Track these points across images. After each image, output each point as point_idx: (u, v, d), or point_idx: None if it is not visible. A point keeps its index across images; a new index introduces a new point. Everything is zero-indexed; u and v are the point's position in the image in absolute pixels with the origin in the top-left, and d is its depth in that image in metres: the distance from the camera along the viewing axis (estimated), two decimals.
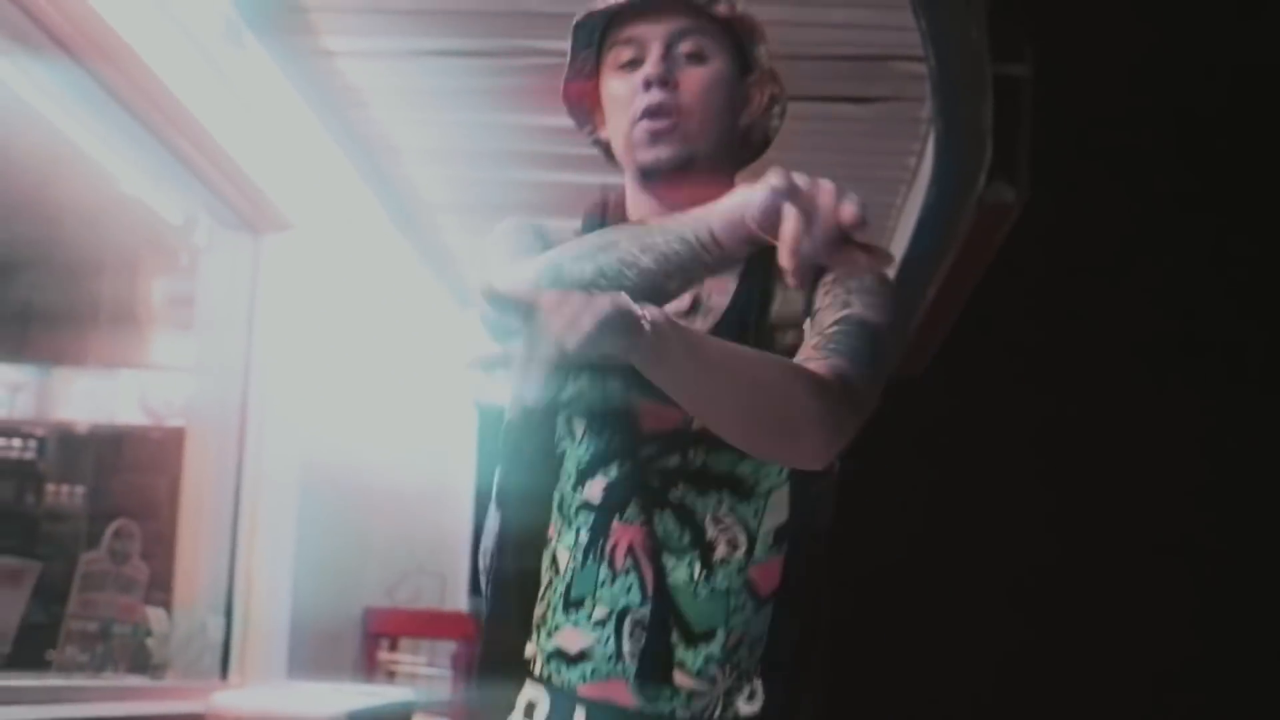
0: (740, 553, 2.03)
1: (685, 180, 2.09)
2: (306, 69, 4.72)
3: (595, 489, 2.04)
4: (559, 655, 2.05)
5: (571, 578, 2.05)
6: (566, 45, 2.21)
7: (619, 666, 2.01)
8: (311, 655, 5.63)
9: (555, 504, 2.07)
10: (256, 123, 5.01)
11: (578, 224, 2.20)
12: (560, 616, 2.05)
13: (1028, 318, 9.40)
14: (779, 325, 2.07)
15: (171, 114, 4.65)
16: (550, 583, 2.07)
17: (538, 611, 2.08)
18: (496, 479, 2.13)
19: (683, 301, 2.07)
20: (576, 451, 2.06)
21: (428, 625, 6.59)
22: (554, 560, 2.07)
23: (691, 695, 2.01)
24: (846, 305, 2.01)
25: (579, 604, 2.04)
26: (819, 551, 2.09)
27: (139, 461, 6.37)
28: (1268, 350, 9.49)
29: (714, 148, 2.12)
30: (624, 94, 2.11)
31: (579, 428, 2.06)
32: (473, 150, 5.69)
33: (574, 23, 2.17)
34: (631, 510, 2.02)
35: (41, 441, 6.29)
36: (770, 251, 1.83)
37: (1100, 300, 9.42)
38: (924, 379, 7.80)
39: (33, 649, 4.31)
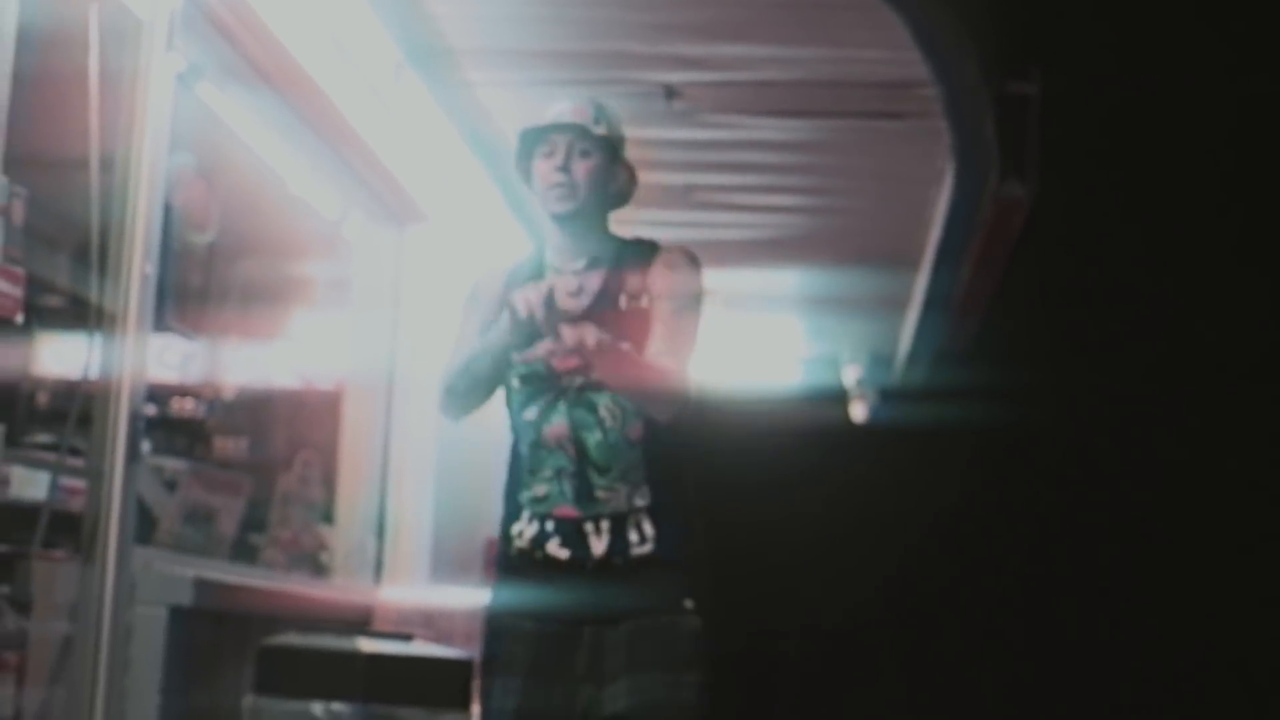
0: (619, 421, 3.54)
1: (578, 220, 3.62)
2: (452, 94, 5.92)
3: (532, 413, 3.57)
4: (533, 499, 3.56)
5: (530, 459, 3.57)
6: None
7: (563, 497, 3.53)
8: (445, 575, 6.78)
9: (514, 425, 3.62)
10: (404, 134, 6.15)
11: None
12: (528, 479, 3.57)
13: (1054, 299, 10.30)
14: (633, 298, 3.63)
15: (340, 130, 5.80)
16: (520, 465, 3.60)
17: (520, 480, 3.60)
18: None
19: (571, 285, 3.60)
20: (518, 396, 3.60)
21: None
22: (518, 453, 3.60)
23: (606, 501, 3.53)
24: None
25: (536, 471, 3.56)
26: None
27: (292, 417, 7.30)
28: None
29: (592, 205, 3.63)
30: (543, 170, 3.62)
31: (515, 383, 3.59)
32: None
33: (520, 131, 3.69)
34: (556, 415, 3.54)
35: (210, 402, 7.21)
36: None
37: (1115, 287, 10.31)
38: (965, 355, 8.84)
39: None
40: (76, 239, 4.34)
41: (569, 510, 3.54)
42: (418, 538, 6.59)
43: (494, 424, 7.41)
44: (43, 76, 4.14)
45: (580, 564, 3.53)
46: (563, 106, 3.71)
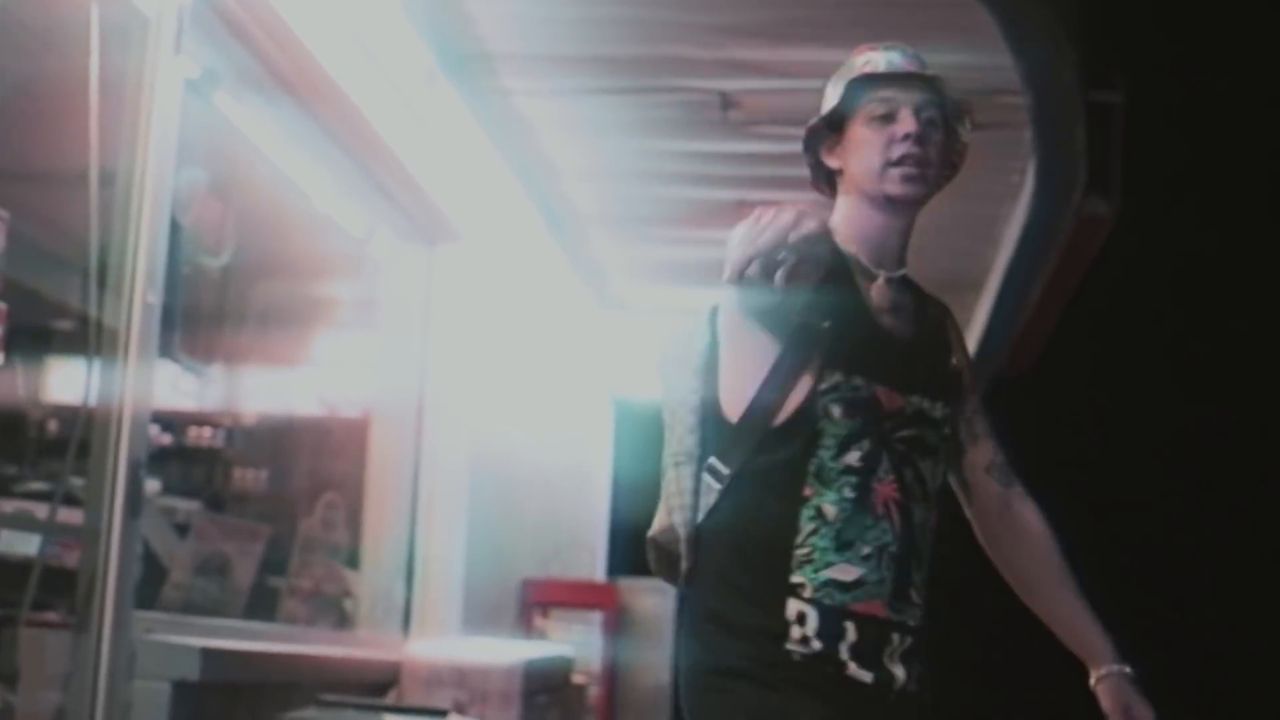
0: (931, 502, 2.72)
1: (913, 209, 2.79)
2: (487, 104, 5.49)
3: (854, 457, 2.63)
4: (832, 584, 2.60)
5: (842, 525, 2.61)
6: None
7: (881, 589, 2.61)
8: (479, 620, 6.35)
9: (812, 471, 2.64)
10: (435, 146, 5.74)
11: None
12: (833, 555, 2.60)
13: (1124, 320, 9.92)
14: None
15: (367, 142, 5.39)
16: (815, 530, 2.61)
17: (800, 553, 2.62)
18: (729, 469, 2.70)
19: (883, 297, 2.75)
20: (835, 429, 2.63)
21: (577, 595, 7.30)
22: (818, 513, 2.61)
23: (916, 607, 2.67)
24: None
25: (850, 545, 2.61)
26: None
27: (315, 448, 6.96)
28: None
29: (929, 195, 2.81)
30: (876, 140, 2.75)
31: (836, 411, 2.63)
32: (620, 171, 6.44)
33: (842, 80, 2.80)
34: (883, 470, 2.64)
35: (229, 431, 6.87)
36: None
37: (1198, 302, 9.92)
38: (1028, 378, 8.40)
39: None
40: (72, 260, 3.93)
41: (877, 608, 2.63)
42: (449, 582, 6.15)
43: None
44: (38, 80, 3.78)
45: (882, 694, 2.63)
46: (887, 55, 2.80)
